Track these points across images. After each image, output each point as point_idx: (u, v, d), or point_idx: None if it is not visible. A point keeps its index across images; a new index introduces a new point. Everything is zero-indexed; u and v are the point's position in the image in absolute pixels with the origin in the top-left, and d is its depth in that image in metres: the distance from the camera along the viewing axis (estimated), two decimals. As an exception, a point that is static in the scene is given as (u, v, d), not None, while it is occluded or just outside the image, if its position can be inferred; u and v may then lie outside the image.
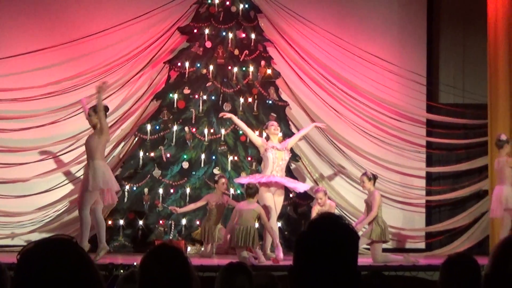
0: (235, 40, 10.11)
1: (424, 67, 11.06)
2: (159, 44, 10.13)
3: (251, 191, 8.14)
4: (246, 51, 10.06)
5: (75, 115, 9.42)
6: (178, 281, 2.28)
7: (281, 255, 8.11)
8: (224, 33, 10.07)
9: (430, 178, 10.96)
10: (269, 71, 10.15)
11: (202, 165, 9.60)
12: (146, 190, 9.48)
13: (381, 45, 10.80)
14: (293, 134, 9.66)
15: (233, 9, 10.08)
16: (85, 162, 8.30)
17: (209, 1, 10.05)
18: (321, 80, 10.57)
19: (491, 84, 10.06)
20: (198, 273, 2.81)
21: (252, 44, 10.10)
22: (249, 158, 9.73)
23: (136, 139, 9.81)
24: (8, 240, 9.24)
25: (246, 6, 10.25)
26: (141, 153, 9.58)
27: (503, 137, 9.31)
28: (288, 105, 10.37)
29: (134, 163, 9.65)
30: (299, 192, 9.21)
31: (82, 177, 8.39)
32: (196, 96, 9.78)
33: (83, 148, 8.54)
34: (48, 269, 1.58)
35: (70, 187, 9.72)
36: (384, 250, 8.78)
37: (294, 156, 10.04)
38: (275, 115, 9.95)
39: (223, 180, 9.14)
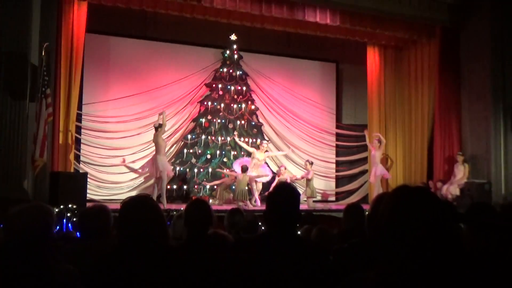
0: (235, 90, 11.45)
1: (334, 102, 12.80)
2: (195, 91, 11.55)
3: (245, 168, 9.67)
4: (241, 96, 11.48)
5: (147, 130, 10.57)
6: (205, 217, 2.69)
7: (259, 203, 9.50)
8: (229, 86, 11.40)
9: (338, 163, 12.59)
10: (253, 107, 11.62)
11: (218, 156, 10.93)
12: (188, 170, 10.79)
13: (312, 91, 12.43)
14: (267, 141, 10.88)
15: (234, 73, 11.53)
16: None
17: (221, 70, 11.54)
18: (280, 110, 12.10)
19: (369, 112, 11.84)
20: (215, 213, 2.90)
21: (244, 92, 11.53)
22: (242, 153, 10.96)
23: (182, 142, 11.23)
24: (113, 197, 10.24)
25: (240, 72, 11.62)
26: (185, 150, 11.02)
27: (378, 137, 10.81)
28: (263, 125, 11.79)
29: (181, 156, 11.02)
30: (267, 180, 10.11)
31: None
32: (214, 120, 11.14)
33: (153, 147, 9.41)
34: (138, 211, 1.93)
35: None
36: (314, 201, 9.88)
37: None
38: (256, 130, 11.48)
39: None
